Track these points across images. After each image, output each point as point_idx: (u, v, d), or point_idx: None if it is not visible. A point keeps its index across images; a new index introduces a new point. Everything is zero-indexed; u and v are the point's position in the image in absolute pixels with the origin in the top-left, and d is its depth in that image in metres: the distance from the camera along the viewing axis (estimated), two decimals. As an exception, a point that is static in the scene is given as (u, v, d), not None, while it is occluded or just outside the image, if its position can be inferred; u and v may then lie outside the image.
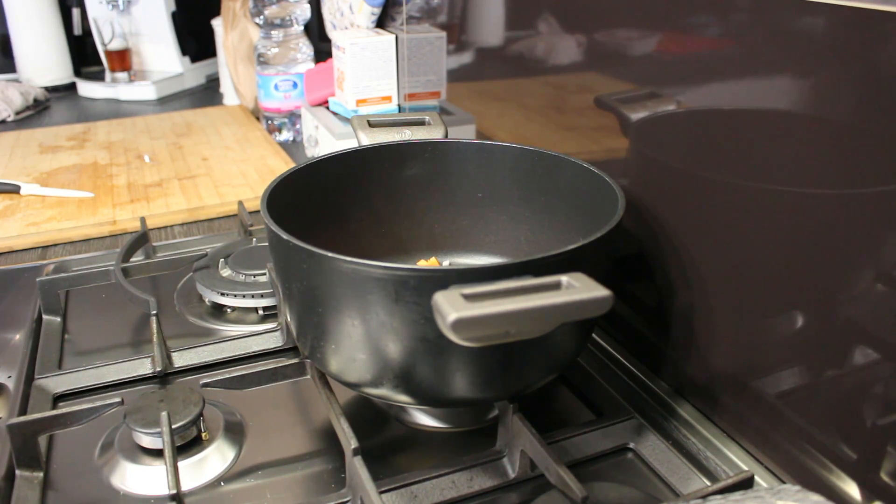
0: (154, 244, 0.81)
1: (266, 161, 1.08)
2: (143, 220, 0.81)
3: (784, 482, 0.47)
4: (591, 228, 0.45)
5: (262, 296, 0.68)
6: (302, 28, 1.17)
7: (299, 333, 0.50)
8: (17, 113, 1.34)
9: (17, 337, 0.66)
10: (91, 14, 1.51)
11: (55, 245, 0.84)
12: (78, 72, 1.59)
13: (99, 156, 1.11)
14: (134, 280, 0.70)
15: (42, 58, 1.54)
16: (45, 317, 0.68)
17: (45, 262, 0.79)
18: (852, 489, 0.42)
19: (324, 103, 1.05)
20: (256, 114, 1.32)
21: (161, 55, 1.55)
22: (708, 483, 0.48)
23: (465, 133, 0.84)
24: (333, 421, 0.48)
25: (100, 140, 1.19)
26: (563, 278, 0.35)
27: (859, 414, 0.41)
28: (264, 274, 0.71)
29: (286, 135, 1.20)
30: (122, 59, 1.52)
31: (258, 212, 0.80)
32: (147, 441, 0.50)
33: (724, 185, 0.47)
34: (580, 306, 0.33)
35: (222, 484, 0.49)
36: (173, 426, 0.49)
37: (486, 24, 0.77)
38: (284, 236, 0.44)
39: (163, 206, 0.92)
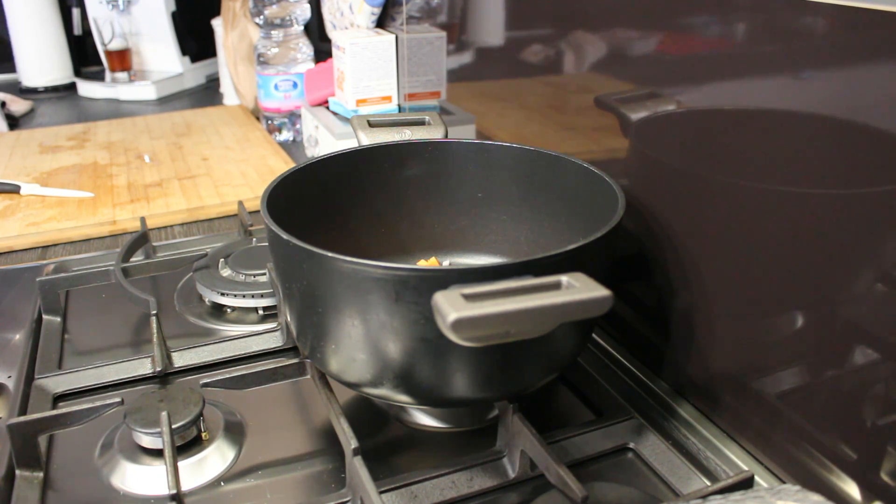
0: (154, 244, 0.81)
1: (266, 161, 1.08)
2: (143, 220, 0.81)
3: (784, 482, 0.47)
4: (591, 228, 0.45)
5: (262, 296, 0.68)
6: (302, 28, 1.17)
7: (299, 333, 0.50)
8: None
9: (17, 337, 0.66)
10: (91, 14, 1.51)
11: (55, 245, 0.84)
12: (78, 72, 1.59)
13: (99, 156, 1.11)
14: (134, 280, 0.70)
15: (42, 58, 1.54)
16: (45, 317, 0.68)
17: (45, 262, 0.79)
18: (852, 489, 0.42)
19: (324, 103, 1.05)
20: (256, 114, 1.32)
21: (161, 55, 1.55)
22: (708, 483, 0.48)
23: (465, 133, 0.84)
24: (333, 421, 0.48)
25: (100, 140, 1.19)
26: (563, 278, 0.35)
27: (859, 414, 0.41)
28: (264, 274, 0.71)
29: (286, 135, 1.20)
30: (122, 59, 1.52)
31: (258, 212, 0.80)
32: (147, 441, 0.50)
33: (724, 185, 0.47)
34: (580, 306, 0.33)
35: (222, 484, 0.49)
36: (173, 426, 0.49)
37: (486, 24, 0.77)
38: (284, 236, 0.44)
39: (163, 206, 0.92)
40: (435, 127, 0.64)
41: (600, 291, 0.33)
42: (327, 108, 1.03)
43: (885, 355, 0.39)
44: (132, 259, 0.74)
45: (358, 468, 0.44)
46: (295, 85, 1.17)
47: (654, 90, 0.53)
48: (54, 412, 0.50)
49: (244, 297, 0.68)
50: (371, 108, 0.95)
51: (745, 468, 0.48)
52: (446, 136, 0.63)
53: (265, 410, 0.56)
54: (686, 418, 0.53)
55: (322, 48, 1.26)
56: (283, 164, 1.06)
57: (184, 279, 0.75)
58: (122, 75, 1.52)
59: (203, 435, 0.52)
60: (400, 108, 0.96)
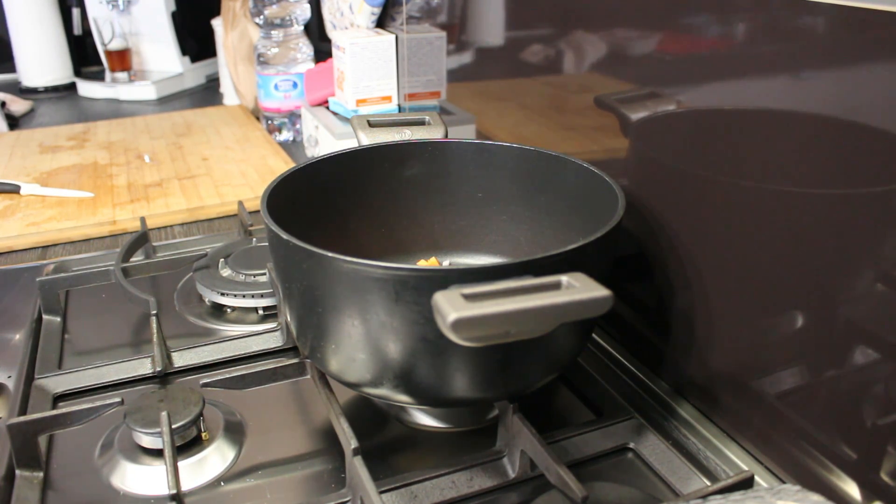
0: (154, 244, 0.81)
1: (266, 161, 1.08)
2: (143, 220, 0.81)
3: (784, 482, 0.47)
4: (591, 228, 0.45)
5: (262, 296, 0.68)
6: (302, 28, 1.17)
7: (299, 333, 0.50)
8: None
9: (17, 337, 0.66)
10: (91, 14, 1.51)
11: (55, 245, 0.84)
12: (78, 72, 1.59)
13: (99, 156, 1.11)
14: (134, 280, 0.70)
15: (42, 58, 1.54)
16: (45, 317, 0.68)
17: (45, 262, 0.79)
18: (852, 489, 0.42)
19: (324, 103, 1.05)
20: (256, 114, 1.32)
21: (161, 55, 1.55)
22: (708, 483, 0.48)
23: (465, 133, 0.84)
24: (333, 421, 0.48)
25: (100, 140, 1.19)
26: (563, 278, 0.35)
27: (859, 414, 0.41)
28: (264, 274, 0.71)
29: (286, 135, 1.20)
30: (122, 59, 1.52)
31: (258, 212, 0.80)
32: (147, 441, 0.50)
33: (724, 185, 0.47)
34: (580, 306, 0.33)
35: (222, 484, 0.49)
36: (173, 426, 0.49)
37: (486, 24, 0.77)
38: (284, 236, 0.44)
39: (163, 206, 0.92)
40: (435, 127, 0.64)
41: (600, 291, 0.33)
42: (327, 108, 1.03)
43: (885, 355, 0.39)
44: (132, 259, 0.74)
45: (358, 468, 0.44)
46: (295, 85, 1.17)
47: (654, 90, 0.53)
48: (54, 412, 0.50)
49: (244, 297, 0.68)
50: (371, 108, 0.95)
51: (745, 468, 0.48)
52: (446, 136, 0.63)
53: (265, 410, 0.56)
54: (686, 418, 0.53)
55: (322, 48, 1.26)
56: (283, 164, 1.06)
57: (184, 279, 0.75)
58: (122, 75, 1.52)
59: (203, 435, 0.52)
60: (400, 108, 0.96)
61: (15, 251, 0.83)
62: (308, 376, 0.55)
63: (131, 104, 1.48)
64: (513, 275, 0.35)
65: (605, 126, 0.59)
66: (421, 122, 0.64)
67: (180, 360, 0.61)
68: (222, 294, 0.68)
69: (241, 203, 0.85)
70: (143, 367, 0.60)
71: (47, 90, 1.56)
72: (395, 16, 1.01)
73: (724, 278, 0.49)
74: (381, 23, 1.04)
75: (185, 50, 1.56)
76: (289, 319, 0.51)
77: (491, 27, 0.76)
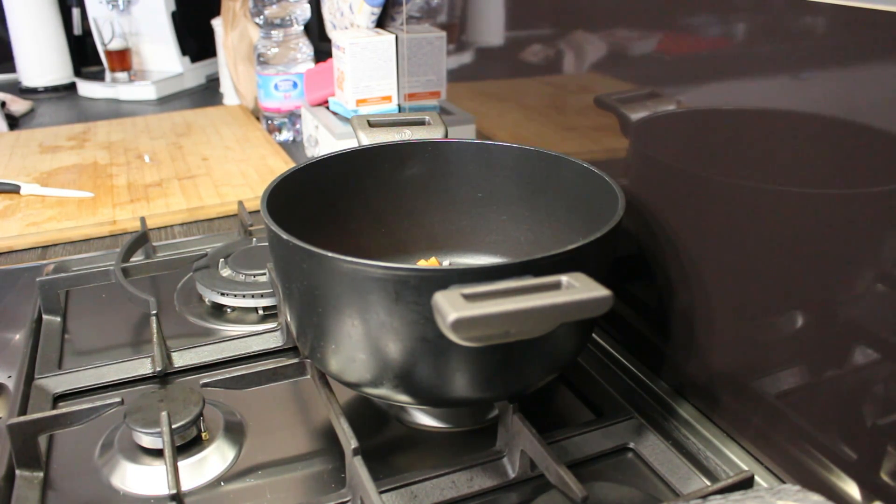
0: (154, 244, 0.81)
1: (266, 161, 1.08)
2: (143, 220, 0.81)
3: (784, 482, 0.47)
4: (591, 228, 0.45)
5: (262, 296, 0.68)
6: (302, 28, 1.17)
7: (299, 333, 0.50)
8: None
9: (17, 337, 0.66)
10: (91, 14, 1.51)
11: (55, 245, 0.84)
12: (78, 72, 1.59)
13: (99, 156, 1.11)
14: (134, 280, 0.70)
15: (42, 58, 1.54)
16: (45, 317, 0.68)
17: (45, 262, 0.79)
18: (852, 489, 0.42)
19: (324, 103, 1.05)
20: (256, 114, 1.32)
21: (161, 55, 1.55)
22: (708, 483, 0.48)
23: (465, 133, 0.84)
24: (333, 421, 0.48)
25: (100, 140, 1.19)
26: (563, 278, 0.35)
27: (859, 414, 0.41)
28: (264, 274, 0.71)
29: (286, 135, 1.20)
30: (122, 59, 1.52)
31: (258, 212, 0.80)
32: (147, 441, 0.50)
33: (724, 185, 0.47)
34: (580, 306, 0.33)
35: (222, 484, 0.49)
36: (173, 426, 0.49)
37: (486, 24, 0.77)
38: (284, 236, 0.44)
39: (163, 206, 0.92)
40: (435, 127, 0.64)
41: (600, 291, 0.33)
42: (327, 108, 1.03)
43: (885, 355, 0.39)
44: (132, 259, 0.74)
45: (358, 468, 0.44)
46: (295, 85, 1.17)
47: (654, 90, 0.53)
48: (54, 412, 0.50)
49: (244, 297, 0.68)
50: (371, 108, 0.95)
51: (745, 468, 0.48)
52: (446, 136, 0.63)
53: (265, 410, 0.56)
54: (686, 418, 0.53)
55: (322, 48, 1.26)
56: (283, 164, 1.06)
57: (184, 279, 0.75)
58: (122, 75, 1.53)
59: (203, 435, 0.52)
60: (400, 108, 0.96)
61: (15, 251, 0.83)
62: (308, 376, 0.55)
63: (131, 104, 1.48)
64: (513, 275, 0.35)
65: (605, 126, 0.59)
66: (421, 122, 0.64)
67: (180, 360, 0.61)
68: (222, 294, 0.68)
69: (241, 203, 0.85)
70: (143, 367, 0.60)
71: (47, 90, 1.56)
72: (395, 16, 1.01)
73: (724, 278, 0.49)
74: (381, 23, 1.04)
75: (185, 50, 1.56)
76: (289, 319, 0.51)
77: (491, 27, 0.76)
